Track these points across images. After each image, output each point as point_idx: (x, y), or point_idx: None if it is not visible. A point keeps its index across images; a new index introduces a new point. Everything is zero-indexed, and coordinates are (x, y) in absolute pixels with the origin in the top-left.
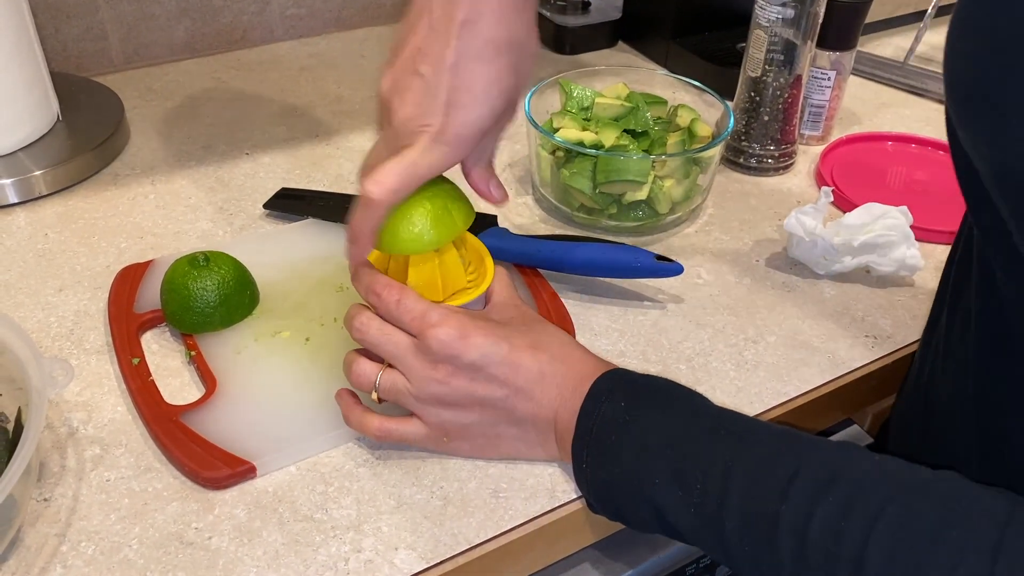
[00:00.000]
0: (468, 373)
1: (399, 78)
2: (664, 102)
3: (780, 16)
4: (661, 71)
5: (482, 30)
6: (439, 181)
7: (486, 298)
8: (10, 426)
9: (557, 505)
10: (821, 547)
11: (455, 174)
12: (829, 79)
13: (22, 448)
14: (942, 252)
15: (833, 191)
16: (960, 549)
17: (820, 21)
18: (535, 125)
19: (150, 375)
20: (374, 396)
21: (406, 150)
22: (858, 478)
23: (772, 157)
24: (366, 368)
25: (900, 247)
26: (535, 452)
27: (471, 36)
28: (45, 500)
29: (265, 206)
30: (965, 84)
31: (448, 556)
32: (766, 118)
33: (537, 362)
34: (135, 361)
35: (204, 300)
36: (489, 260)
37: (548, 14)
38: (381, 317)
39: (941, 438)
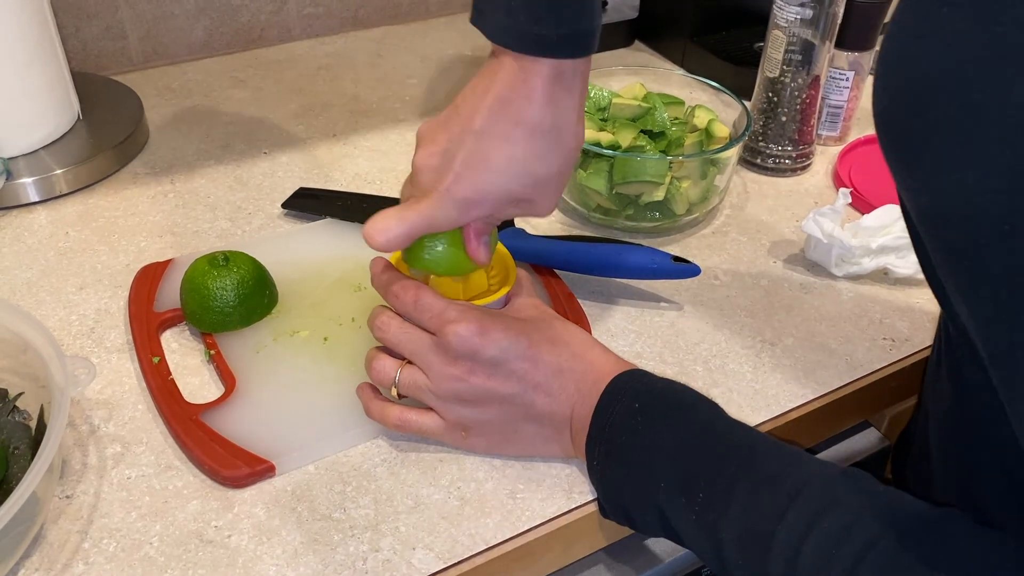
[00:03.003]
0: (487, 369)
1: (432, 127)
2: (681, 102)
3: (798, 16)
4: (678, 71)
5: (514, 111)
6: None
7: (506, 300)
8: (33, 424)
9: (574, 507)
10: (811, 571)
11: None
12: (847, 79)
13: (45, 446)
14: None
15: (851, 192)
16: None
17: (839, 21)
18: None
19: (170, 374)
20: (394, 392)
21: (414, 201)
22: (856, 507)
23: (790, 158)
24: (386, 364)
25: None
26: (552, 448)
27: (501, 113)
28: (67, 497)
29: (283, 206)
30: (885, 123)
31: (465, 556)
32: (784, 119)
33: (556, 357)
34: (155, 360)
35: (223, 299)
36: (511, 263)
37: None
38: (401, 317)
39: (936, 474)
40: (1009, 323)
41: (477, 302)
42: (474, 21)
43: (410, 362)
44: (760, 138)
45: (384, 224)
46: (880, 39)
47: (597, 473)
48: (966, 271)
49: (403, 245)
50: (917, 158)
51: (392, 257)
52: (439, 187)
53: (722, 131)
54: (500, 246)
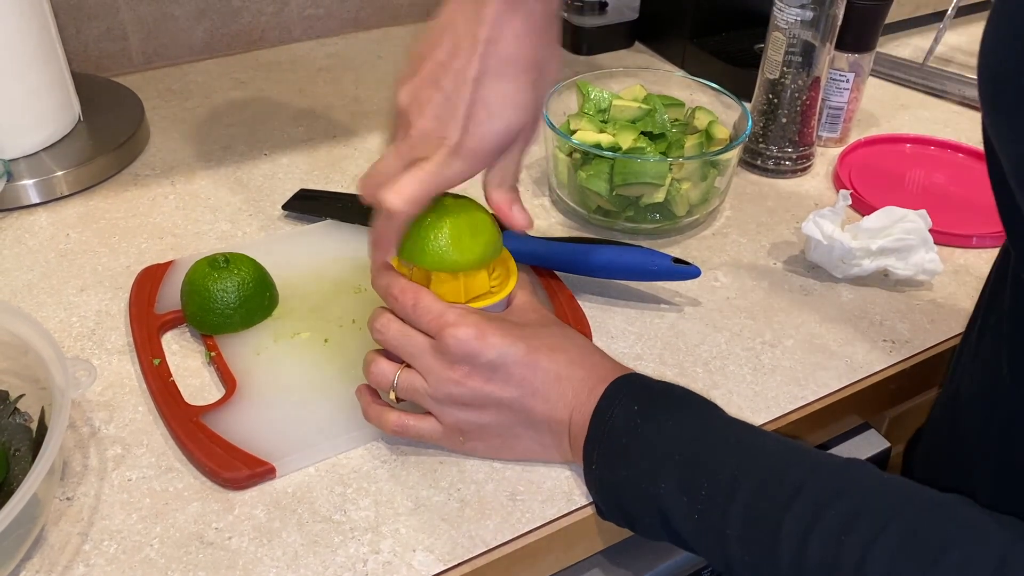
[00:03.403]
0: (485, 373)
1: (419, 91)
2: (681, 104)
3: (799, 18)
4: (678, 72)
5: (503, 48)
6: (477, 208)
7: (507, 302)
8: (34, 426)
9: (574, 508)
10: (820, 560)
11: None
12: (847, 81)
13: (46, 448)
14: (961, 256)
15: (851, 194)
16: (960, 571)
17: (839, 23)
18: (552, 127)
19: (171, 375)
20: (392, 395)
21: (424, 162)
22: (863, 495)
23: (790, 159)
24: (384, 367)
25: (919, 251)
26: (550, 454)
27: (493, 54)
28: (68, 499)
29: (284, 207)
30: (992, 68)
31: (466, 558)
32: (784, 120)
33: (555, 364)
34: (156, 362)
35: (224, 301)
36: (513, 265)
37: (565, 15)
38: (400, 319)
39: (963, 457)
40: None
41: (478, 304)
42: None
43: (409, 365)
44: (760, 140)
45: (399, 185)
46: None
47: (595, 476)
48: None
49: (419, 206)
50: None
51: (394, 259)
52: (447, 143)
53: (722, 133)
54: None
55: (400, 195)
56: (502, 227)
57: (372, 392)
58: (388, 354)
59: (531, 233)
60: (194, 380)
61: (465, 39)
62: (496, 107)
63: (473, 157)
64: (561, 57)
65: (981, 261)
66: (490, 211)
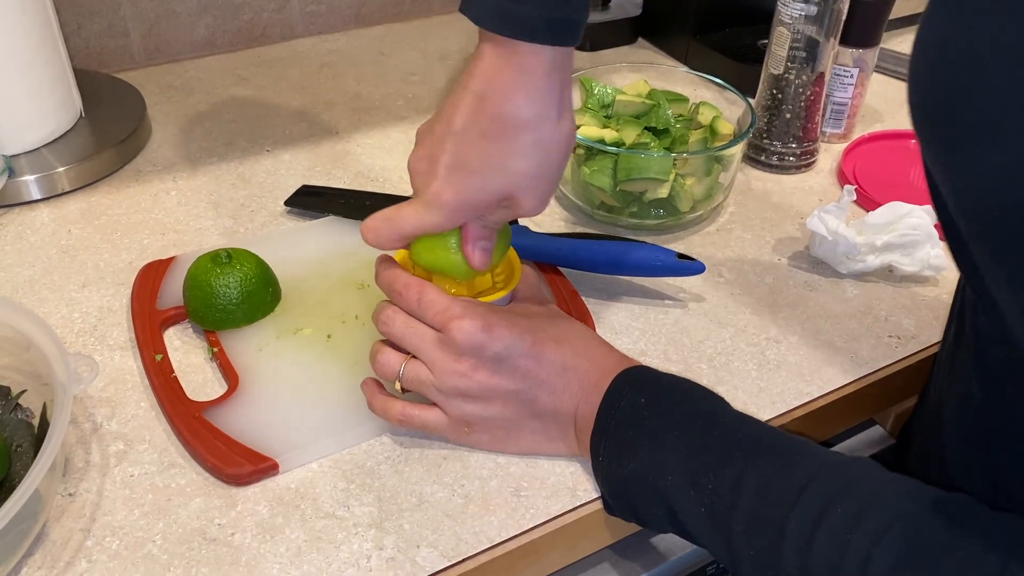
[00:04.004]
0: (491, 365)
1: (423, 129)
2: (685, 99)
3: (803, 13)
4: (682, 68)
5: (492, 105)
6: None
7: (511, 298)
8: (35, 421)
9: (579, 504)
10: (825, 557)
11: None
12: (852, 76)
13: (48, 444)
14: None
15: (856, 189)
16: (965, 570)
17: (843, 18)
18: None
19: (173, 371)
20: (397, 386)
21: (406, 203)
22: (869, 493)
23: (794, 155)
24: (390, 358)
25: (924, 246)
26: (555, 446)
27: (478, 109)
28: (70, 495)
29: (286, 203)
30: (923, 107)
31: (470, 554)
32: (788, 116)
33: (560, 355)
34: (158, 357)
35: (227, 297)
36: (517, 261)
37: None
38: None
39: (951, 462)
40: None
41: (482, 299)
42: (461, 8)
43: (415, 357)
44: (764, 135)
45: (374, 223)
46: (890, 33)
47: (603, 469)
48: (1016, 255)
49: (395, 245)
50: (959, 138)
51: (397, 255)
52: (426, 192)
53: (726, 128)
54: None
55: (373, 234)
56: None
57: (377, 384)
58: (394, 344)
59: (535, 229)
60: (196, 376)
61: (460, 90)
62: (477, 166)
63: (449, 210)
64: (573, 125)
65: None
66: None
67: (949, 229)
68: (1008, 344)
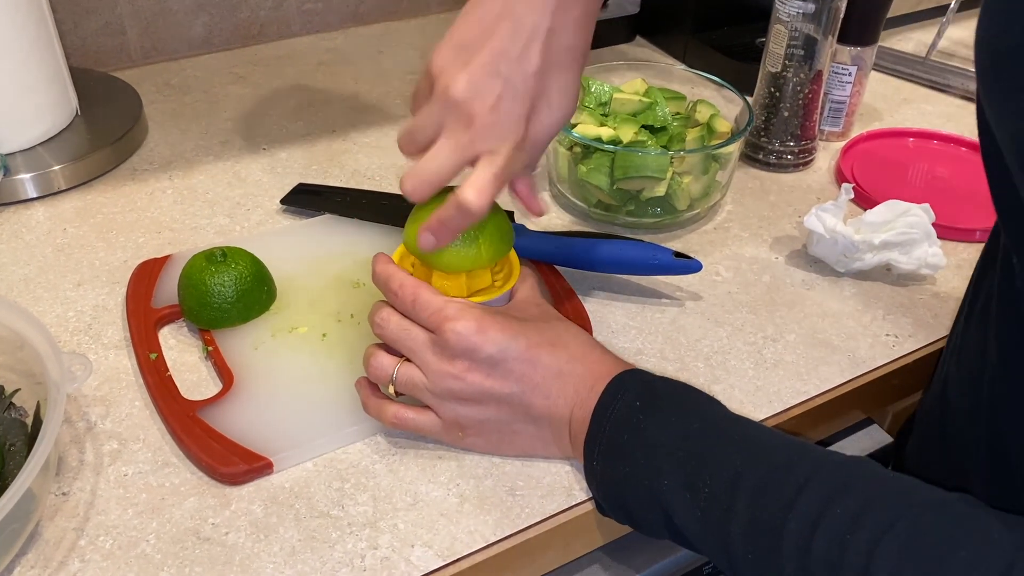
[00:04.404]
0: (485, 368)
1: (479, 80)
2: (683, 97)
3: (801, 11)
4: (680, 66)
5: (564, 39)
6: (494, 209)
7: (509, 297)
8: (29, 420)
9: (574, 504)
10: (825, 558)
11: None
12: (850, 74)
13: (41, 442)
14: (964, 250)
15: (854, 188)
16: (967, 571)
17: (841, 16)
18: None
19: (167, 370)
20: (391, 389)
21: (492, 158)
22: (868, 493)
23: (792, 153)
24: (384, 361)
25: (922, 245)
26: (550, 450)
27: (554, 44)
28: (63, 494)
29: (282, 202)
30: (990, 44)
31: (464, 554)
32: (786, 114)
33: (555, 359)
34: (152, 356)
35: (221, 296)
36: (515, 260)
37: None
38: (401, 314)
39: (955, 444)
40: None
41: (480, 299)
42: None
43: (409, 359)
44: (762, 133)
45: (480, 184)
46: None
47: (597, 473)
48: None
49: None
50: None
51: (395, 253)
52: (514, 136)
53: (724, 126)
54: None
55: (483, 195)
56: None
57: (372, 385)
58: (388, 348)
59: (532, 228)
60: (191, 375)
61: (525, 28)
62: (556, 99)
63: (534, 148)
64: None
65: None
66: (502, 210)
67: (996, 178)
68: None
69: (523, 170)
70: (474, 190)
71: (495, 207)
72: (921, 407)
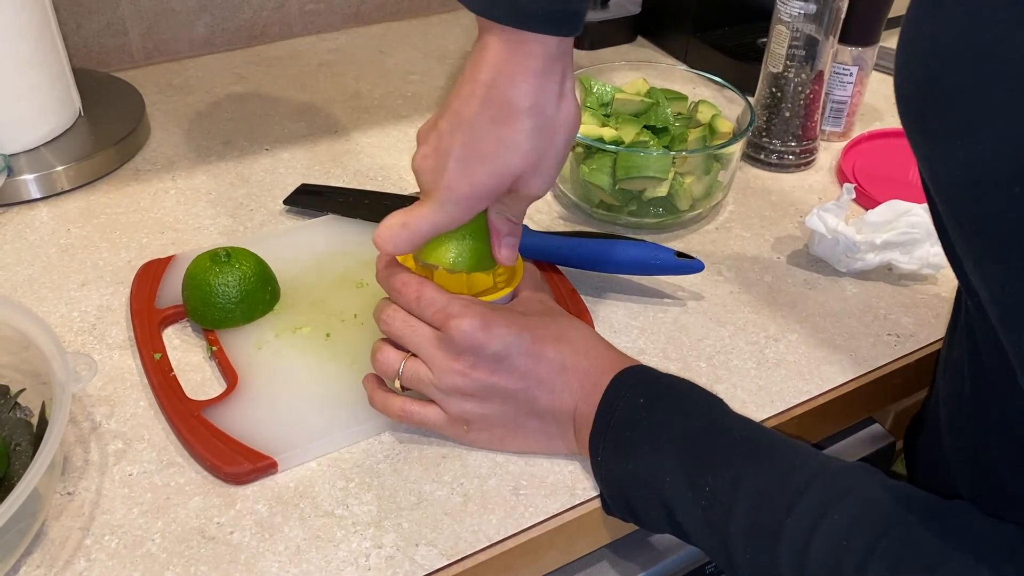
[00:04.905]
0: (490, 364)
1: (426, 128)
2: (684, 98)
3: (802, 11)
4: (681, 66)
5: (500, 91)
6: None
7: (512, 297)
8: (34, 420)
9: (577, 503)
10: (821, 562)
11: None
12: (851, 75)
13: (46, 442)
14: None
15: (855, 188)
16: None
17: (842, 16)
18: None
19: (172, 370)
20: (397, 384)
21: (417, 205)
22: (867, 499)
23: (793, 153)
24: (390, 356)
25: (923, 245)
26: (555, 445)
27: (488, 97)
28: (69, 494)
29: (285, 202)
30: (908, 99)
31: (469, 553)
32: (787, 114)
33: (560, 354)
34: (157, 356)
35: (225, 296)
36: (519, 260)
37: None
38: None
39: (946, 454)
40: (1021, 284)
41: (483, 298)
42: (463, 1)
43: (415, 355)
44: (763, 134)
45: (389, 232)
46: (896, 29)
47: (601, 469)
48: (980, 235)
49: (411, 250)
50: (935, 125)
51: None
52: (438, 188)
53: (725, 126)
54: None
55: (391, 243)
56: None
57: (378, 380)
58: (395, 343)
59: (534, 228)
60: (195, 375)
61: (467, 83)
62: (488, 150)
63: (465, 202)
64: (576, 107)
65: None
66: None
67: (938, 221)
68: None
69: (496, 211)
70: (378, 233)
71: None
72: (924, 410)
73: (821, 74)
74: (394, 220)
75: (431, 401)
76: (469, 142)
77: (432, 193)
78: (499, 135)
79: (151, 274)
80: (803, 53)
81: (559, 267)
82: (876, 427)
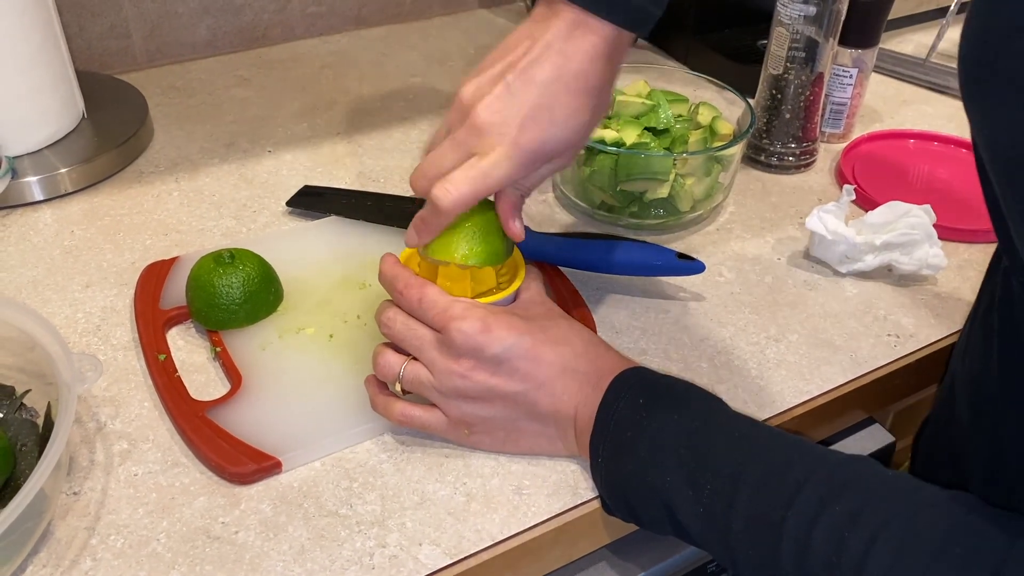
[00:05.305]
0: (490, 367)
1: (484, 83)
2: (685, 100)
3: (802, 13)
4: (682, 68)
5: (574, 64)
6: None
7: (514, 298)
8: (40, 421)
9: (580, 503)
10: (822, 555)
11: None
12: (851, 76)
13: (53, 443)
14: (965, 251)
15: (855, 189)
16: (961, 567)
17: (842, 18)
18: None
19: (176, 371)
20: (398, 387)
21: (478, 159)
22: (866, 491)
23: (793, 155)
24: (391, 359)
25: (923, 246)
26: (555, 447)
27: (564, 66)
28: (75, 494)
29: (288, 204)
30: (970, 61)
31: (472, 552)
32: (787, 116)
33: (560, 357)
34: (161, 357)
35: (229, 297)
36: (520, 261)
37: None
38: (407, 314)
39: (959, 442)
40: None
41: (485, 300)
42: None
43: (415, 358)
44: (764, 135)
45: (452, 184)
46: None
47: (602, 470)
48: None
49: (469, 205)
50: (998, 92)
51: (401, 254)
52: (505, 140)
53: (726, 128)
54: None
55: (450, 196)
56: None
57: (380, 383)
58: (396, 346)
59: (535, 229)
60: (199, 375)
61: (538, 45)
62: (559, 116)
63: (524, 159)
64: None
65: (985, 256)
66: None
67: (987, 188)
68: None
69: (513, 185)
70: (442, 187)
71: (490, 204)
72: (932, 411)
73: (821, 76)
74: (456, 174)
75: (433, 405)
76: (544, 103)
77: (497, 146)
78: (574, 105)
79: (155, 275)
80: (803, 55)
81: (561, 268)
82: (876, 427)
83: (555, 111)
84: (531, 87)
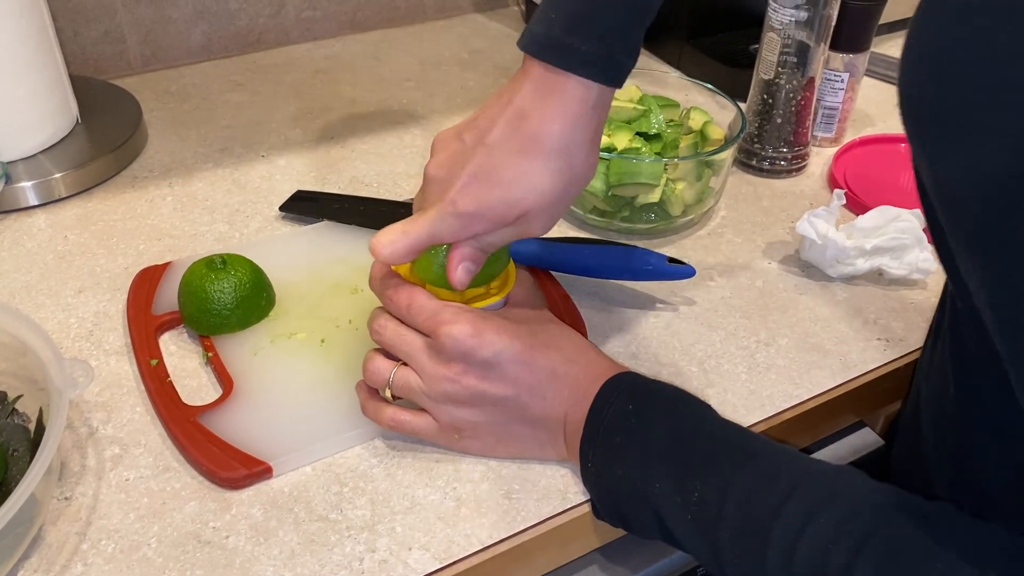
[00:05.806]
0: (480, 371)
1: (446, 136)
2: (677, 105)
3: (793, 18)
4: (674, 73)
5: (531, 125)
6: None
7: (506, 303)
8: (32, 426)
9: (569, 507)
10: (808, 567)
11: None
12: (842, 81)
13: (44, 448)
14: None
15: (846, 193)
16: None
17: (833, 23)
18: None
19: (168, 376)
20: (388, 393)
21: (419, 214)
22: (852, 502)
23: (785, 159)
24: (380, 365)
25: (913, 250)
26: (546, 452)
27: (520, 127)
28: (66, 499)
29: (281, 208)
30: (911, 100)
31: (461, 556)
32: (779, 120)
33: (550, 362)
34: (153, 362)
35: (221, 302)
36: (512, 266)
37: None
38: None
39: (927, 458)
40: (1019, 291)
41: (476, 305)
42: (519, 44)
43: (405, 363)
44: (755, 140)
45: (388, 238)
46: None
47: (591, 476)
48: (980, 238)
49: (407, 258)
50: (938, 126)
51: None
52: (444, 199)
53: (717, 133)
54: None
55: (388, 248)
56: None
57: (371, 388)
58: (387, 352)
59: None
60: (191, 380)
61: (497, 106)
62: (507, 178)
63: (468, 219)
64: (596, 164)
65: None
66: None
67: (932, 221)
68: (978, 333)
69: (473, 240)
70: (379, 240)
71: None
72: (901, 415)
73: (812, 80)
74: (393, 228)
75: (423, 410)
76: (489, 164)
77: (436, 204)
78: (522, 167)
79: (148, 280)
80: (794, 60)
81: (552, 272)
82: (866, 431)
83: (500, 172)
84: (480, 148)
